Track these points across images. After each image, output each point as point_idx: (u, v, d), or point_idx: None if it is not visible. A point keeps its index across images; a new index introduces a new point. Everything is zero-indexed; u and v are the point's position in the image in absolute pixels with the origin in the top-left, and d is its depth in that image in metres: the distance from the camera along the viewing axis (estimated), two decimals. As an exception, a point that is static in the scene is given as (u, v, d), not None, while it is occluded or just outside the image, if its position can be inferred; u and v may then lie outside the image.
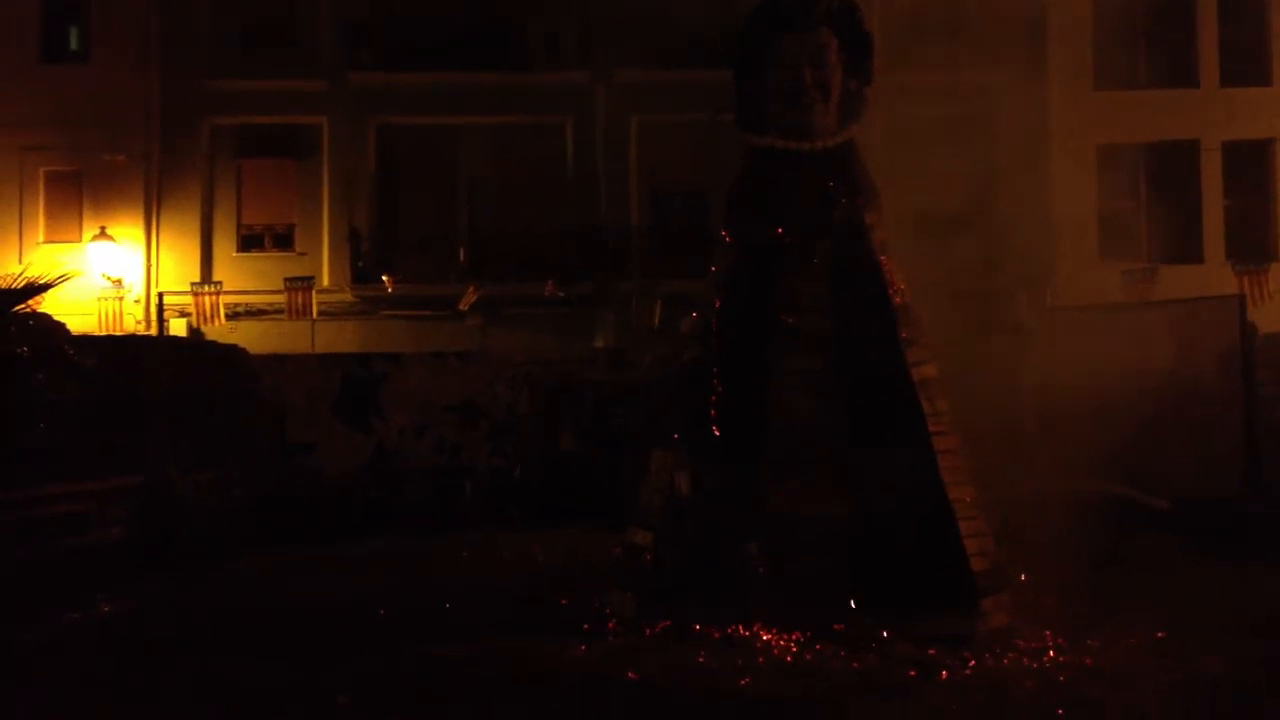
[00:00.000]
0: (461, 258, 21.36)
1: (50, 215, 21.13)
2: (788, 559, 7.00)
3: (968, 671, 6.08)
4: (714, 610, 6.89)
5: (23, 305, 9.80)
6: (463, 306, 20.25)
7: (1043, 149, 21.14)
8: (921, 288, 8.03)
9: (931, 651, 6.33)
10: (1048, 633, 6.67)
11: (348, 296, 20.93)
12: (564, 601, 7.65)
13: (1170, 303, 15.11)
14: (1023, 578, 7.32)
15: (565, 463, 14.07)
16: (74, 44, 21.84)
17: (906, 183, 18.39)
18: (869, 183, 7.70)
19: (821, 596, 6.86)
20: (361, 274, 20.96)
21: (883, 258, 7.46)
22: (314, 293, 20.45)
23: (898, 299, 7.41)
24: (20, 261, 18.14)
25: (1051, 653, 6.37)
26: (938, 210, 20.28)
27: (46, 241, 20.83)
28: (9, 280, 9.79)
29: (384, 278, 20.69)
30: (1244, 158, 21.52)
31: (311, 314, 20.28)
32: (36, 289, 9.75)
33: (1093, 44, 21.44)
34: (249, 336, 18.44)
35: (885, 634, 6.56)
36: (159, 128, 21.12)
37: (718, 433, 7.41)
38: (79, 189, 21.11)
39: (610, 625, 6.94)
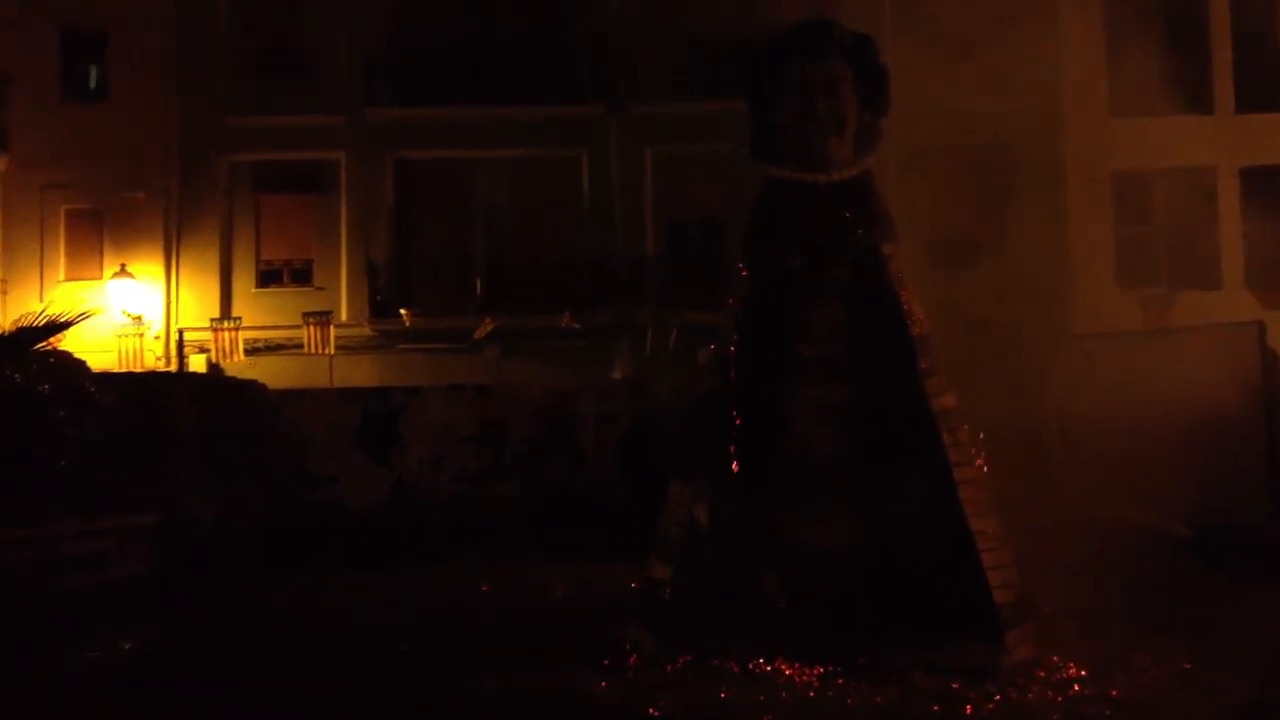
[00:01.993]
0: (478, 290, 21.46)
1: (71, 253, 21.34)
2: (808, 591, 6.96)
3: (992, 705, 6.02)
4: (735, 644, 6.85)
5: (44, 343, 9.87)
6: (478, 337, 20.32)
7: (1058, 176, 21.17)
8: (939, 316, 8.02)
9: (955, 685, 6.26)
10: (1072, 664, 6.60)
11: (366, 330, 21.03)
12: (584, 635, 7.62)
13: (1190, 329, 15.06)
14: (1046, 609, 7.26)
15: (584, 493, 14.06)
16: (93, 82, 22.11)
17: (923, 212, 18.50)
18: (885, 213, 7.70)
19: (843, 629, 6.82)
20: (379, 308, 21.07)
21: (900, 288, 7.45)
22: (332, 327, 20.57)
23: (916, 329, 7.40)
24: (41, 299, 18.32)
25: (1076, 686, 6.30)
26: (954, 238, 20.42)
27: (67, 279, 21.03)
28: (30, 318, 9.88)
29: (402, 311, 20.79)
30: (1262, 183, 21.47)
31: (330, 348, 20.38)
32: (57, 327, 9.82)
33: (1107, 71, 21.47)
34: (268, 371, 18.54)
35: (908, 667, 6.50)
36: (178, 165, 21.35)
37: (736, 464, 7.38)
38: (99, 226, 21.32)
39: (631, 660, 6.89)
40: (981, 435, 7.43)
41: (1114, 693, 6.15)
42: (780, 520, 7.17)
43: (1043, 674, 6.54)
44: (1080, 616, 7.27)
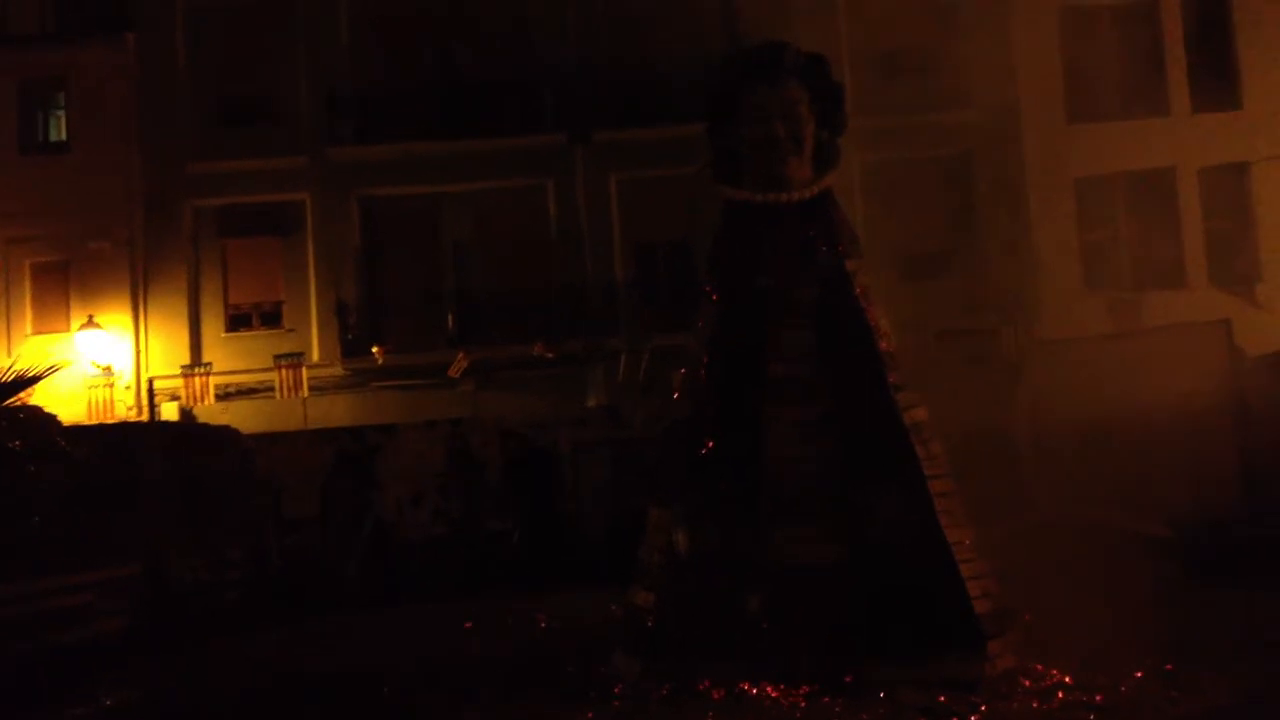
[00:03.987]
0: (450, 324, 21.40)
1: (37, 306, 21.15)
2: (790, 611, 6.97)
3: (977, 717, 6.04)
4: (720, 668, 6.85)
5: (13, 398, 9.79)
6: (453, 373, 20.26)
7: (1020, 184, 21.34)
8: (909, 329, 8.07)
9: (940, 698, 6.28)
10: (1055, 671, 6.63)
11: (338, 370, 20.92)
12: (569, 667, 7.60)
13: (1158, 329, 15.20)
14: (1027, 617, 7.30)
15: (564, 523, 14.05)
16: (53, 134, 21.99)
17: (887, 225, 18.58)
18: (848, 230, 7.76)
19: (826, 647, 6.83)
20: (351, 347, 20.97)
21: (866, 304, 7.51)
22: (304, 368, 20.44)
23: (884, 344, 7.45)
24: (9, 354, 18.16)
25: (1060, 693, 6.33)
26: (920, 251, 20.55)
27: (35, 333, 20.84)
28: (-2, 374, 9.79)
29: (374, 349, 20.71)
30: (1221, 181, 21.72)
31: (303, 390, 20.25)
32: (26, 382, 9.74)
33: (1063, 78, 21.70)
34: (241, 416, 18.42)
35: (893, 682, 6.51)
36: (142, 213, 21.21)
37: (713, 488, 7.39)
38: (65, 278, 21.15)
39: (616, 689, 6.88)
40: (954, 445, 7.47)
41: (1098, 697, 6.19)
42: (760, 541, 7.18)
43: (1027, 682, 6.57)
44: (1061, 622, 7.30)
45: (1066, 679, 6.51)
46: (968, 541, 7.08)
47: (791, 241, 7.60)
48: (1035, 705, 6.17)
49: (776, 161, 7.64)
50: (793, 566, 7.07)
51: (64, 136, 21.81)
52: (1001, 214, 21.01)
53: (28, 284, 21.20)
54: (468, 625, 9.94)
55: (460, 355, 20.27)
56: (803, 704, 6.43)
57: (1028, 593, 7.52)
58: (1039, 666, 6.73)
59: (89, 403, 19.82)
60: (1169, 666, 6.59)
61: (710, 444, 7.47)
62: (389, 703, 7.23)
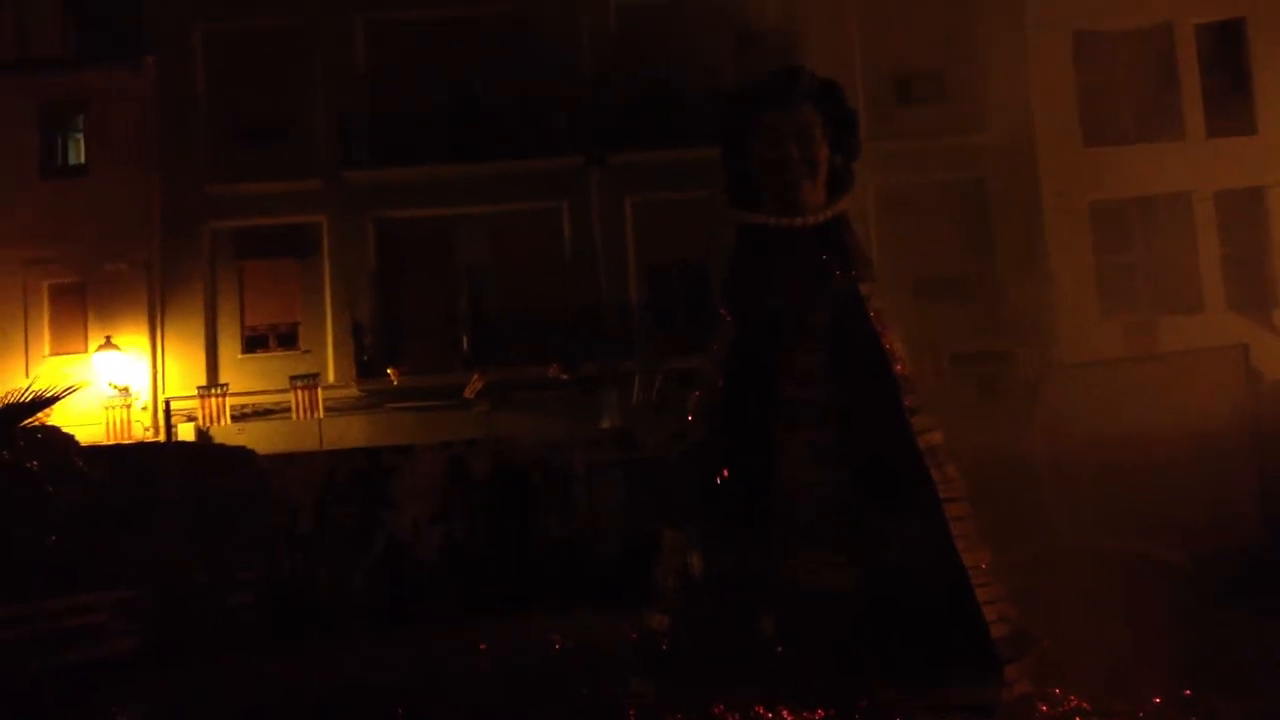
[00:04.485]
0: (465, 345, 21.46)
1: (55, 327, 21.29)
2: (805, 634, 6.94)
3: (993, 741, 6.00)
4: (735, 691, 6.82)
5: (31, 419, 9.85)
6: (468, 394, 20.30)
7: (1036, 208, 21.33)
8: (922, 352, 8.06)
9: (956, 721, 6.24)
10: (1072, 696, 6.59)
11: (353, 391, 20.98)
12: (582, 688, 7.58)
13: (1174, 354, 15.13)
14: (1044, 642, 7.25)
15: (579, 545, 14.02)
16: (72, 157, 22.18)
17: (902, 249, 18.56)
18: (862, 254, 7.77)
19: (842, 671, 6.79)
20: (366, 368, 21.04)
21: (881, 327, 7.50)
22: (320, 389, 20.51)
23: (899, 367, 7.44)
24: (27, 375, 18.26)
25: (1078, 718, 6.28)
26: (934, 274, 20.54)
27: (52, 354, 20.97)
28: (16, 394, 9.85)
29: (389, 370, 20.77)
30: (1237, 205, 21.69)
31: (318, 411, 20.31)
32: (44, 402, 9.80)
33: (1078, 102, 21.73)
34: (257, 436, 18.48)
35: (909, 706, 6.47)
36: (159, 235, 21.35)
37: (728, 510, 7.38)
38: (83, 300, 21.29)
39: (630, 711, 6.86)
40: (970, 469, 7.45)
41: (1115, 723, 6.14)
42: (774, 564, 7.16)
43: (1044, 707, 6.53)
44: (1078, 646, 7.25)
45: (1084, 704, 6.46)
46: (984, 565, 7.05)
47: (805, 265, 7.61)
48: (1052, 730, 6.13)
49: (790, 185, 7.66)
50: (807, 589, 7.05)
51: (83, 159, 22.00)
52: (1017, 238, 21.01)
53: (46, 305, 21.34)
54: (482, 647, 9.92)
55: (475, 376, 20.31)
56: (818, 728, 6.40)
57: (1044, 617, 7.47)
58: (1056, 691, 6.68)
59: (106, 423, 19.92)
60: (1187, 692, 6.54)
61: (724, 466, 7.46)
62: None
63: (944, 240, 20.84)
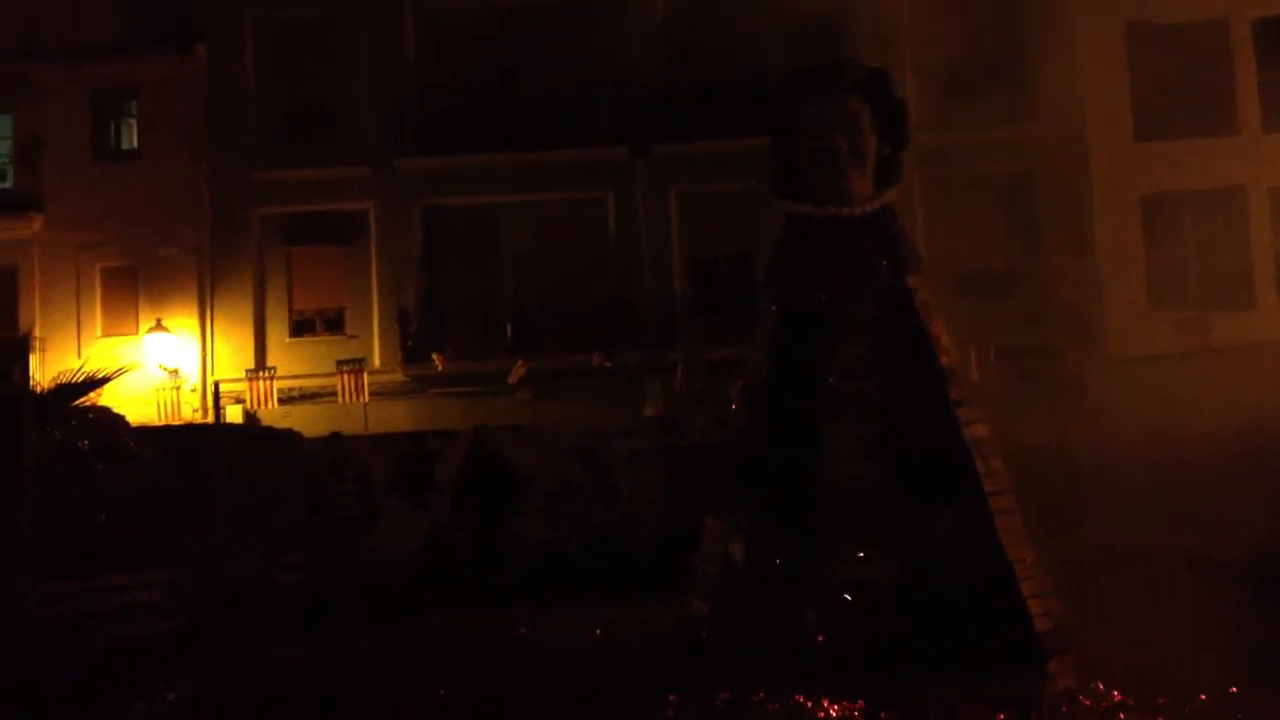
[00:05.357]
0: (508, 333, 21.57)
1: (107, 309, 21.63)
2: (847, 625, 6.93)
3: (1035, 735, 5.97)
4: (775, 680, 6.82)
5: (82, 399, 10.01)
6: (511, 381, 20.40)
7: (1085, 202, 21.10)
8: (969, 345, 8.02)
9: (999, 716, 6.22)
10: (1116, 692, 6.54)
11: (399, 376, 21.15)
12: (622, 675, 7.61)
13: (1225, 350, 14.96)
14: (1088, 636, 7.20)
15: (620, 532, 14.04)
16: (125, 142, 22.48)
17: (949, 241, 18.44)
18: (909, 246, 7.72)
19: (883, 662, 6.78)
20: (411, 353, 21.21)
21: (927, 319, 7.46)
22: (365, 374, 20.70)
23: (945, 360, 7.40)
24: (79, 356, 18.55)
25: (1122, 714, 6.24)
26: (982, 268, 20.38)
27: (104, 335, 21.30)
28: (68, 375, 10.03)
29: (434, 356, 20.91)
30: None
31: (364, 395, 20.49)
32: (95, 382, 9.98)
33: (1130, 95, 21.46)
34: (303, 420, 18.68)
35: (950, 700, 6.45)
36: (209, 220, 21.64)
37: (771, 500, 7.38)
38: (134, 283, 21.62)
39: (671, 698, 6.88)
40: (1015, 464, 7.41)
41: (1159, 718, 6.09)
42: (817, 555, 7.16)
43: (1088, 702, 6.48)
44: (1124, 642, 7.19)
45: (1128, 700, 6.41)
46: (1029, 559, 7.00)
47: (851, 256, 7.58)
48: (1095, 725, 6.09)
49: (837, 176, 7.62)
50: (850, 581, 7.04)
51: (135, 145, 22.32)
52: (1066, 232, 20.80)
53: (98, 288, 21.68)
54: (522, 631, 9.99)
55: (519, 363, 20.41)
56: (858, 718, 6.39)
57: (1089, 613, 7.42)
58: (1099, 686, 6.63)
59: (157, 404, 20.20)
60: (1233, 689, 6.47)
61: (768, 456, 7.45)
62: (440, 707, 7.26)
63: (991, 233, 20.67)
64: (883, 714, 6.41)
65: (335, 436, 13.63)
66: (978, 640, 6.70)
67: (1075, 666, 6.86)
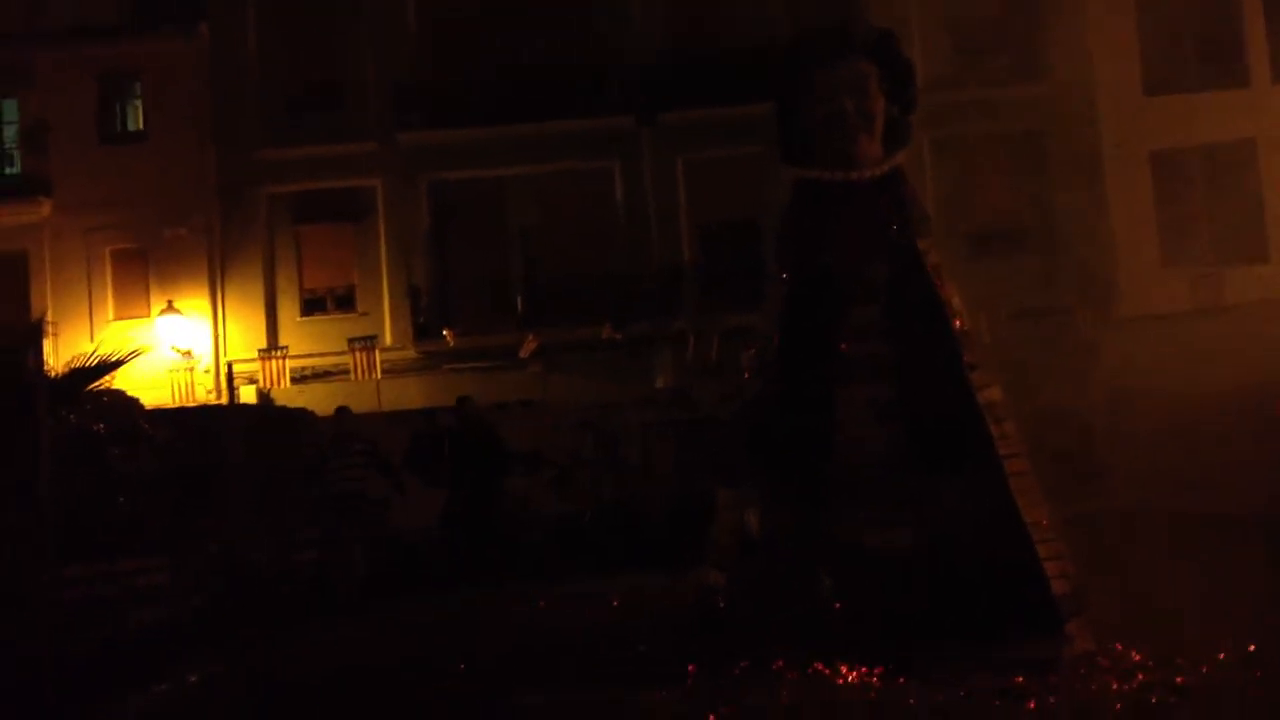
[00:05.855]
0: (519, 306, 21.56)
1: (118, 292, 21.67)
2: (863, 592, 6.93)
3: (1054, 699, 5.96)
4: (792, 648, 6.83)
5: (96, 383, 10.03)
6: (523, 355, 20.42)
7: (1096, 159, 20.96)
8: (980, 307, 7.97)
9: (1017, 679, 6.21)
10: (1134, 653, 6.52)
11: (410, 353, 21.17)
12: (640, 646, 7.63)
13: (1240, 307, 14.87)
14: (1104, 599, 7.18)
15: (634, 504, 14.04)
16: (131, 124, 22.45)
17: (959, 202, 18.31)
18: (919, 208, 7.66)
19: (899, 628, 6.78)
20: (422, 330, 21.23)
21: (938, 282, 7.41)
22: (377, 351, 20.73)
23: (957, 323, 7.35)
24: (92, 339, 18.60)
25: (1140, 674, 6.23)
26: (992, 228, 20.27)
27: (116, 318, 21.35)
28: (82, 359, 10.04)
29: (444, 332, 20.92)
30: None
31: (376, 372, 20.53)
32: (109, 366, 9.99)
33: (1139, 49, 21.26)
34: (316, 398, 18.70)
35: (968, 664, 6.45)
36: (217, 200, 21.63)
37: (784, 468, 7.37)
38: (144, 265, 21.64)
39: (689, 668, 6.89)
40: (1028, 426, 7.37)
41: (1179, 679, 6.08)
42: (832, 522, 7.15)
43: (1106, 663, 6.47)
44: (1140, 604, 7.18)
45: (1147, 661, 6.40)
46: (1045, 521, 6.98)
47: (861, 220, 7.53)
48: (1115, 686, 6.08)
49: (846, 139, 7.55)
50: (865, 547, 7.03)
51: (141, 126, 22.29)
52: (1076, 190, 20.65)
53: (108, 271, 21.71)
54: (541, 605, 10.02)
55: (530, 337, 20.41)
56: (877, 685, 6.39)
57: (1104, 575, 7.40)
58: (1117, 647, 6.62)
59: (171, 386, 20.27)
60: (1251, 648, 6.45)
61: (780, 423, 7.43)
62: (461, 683, 7.29)
63: (1001, 193, 20.55)
64: (900, 680, 6.41)
65: (341, 411, 13.57)
66: (995, 604, 6.69)
67: (1093, 628, 6.84)
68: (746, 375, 8.15)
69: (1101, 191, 20.71)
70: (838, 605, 6.95)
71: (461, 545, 12.30)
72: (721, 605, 7.40)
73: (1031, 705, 5.90)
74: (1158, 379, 12.37)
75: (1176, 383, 11.95)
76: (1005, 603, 6.69)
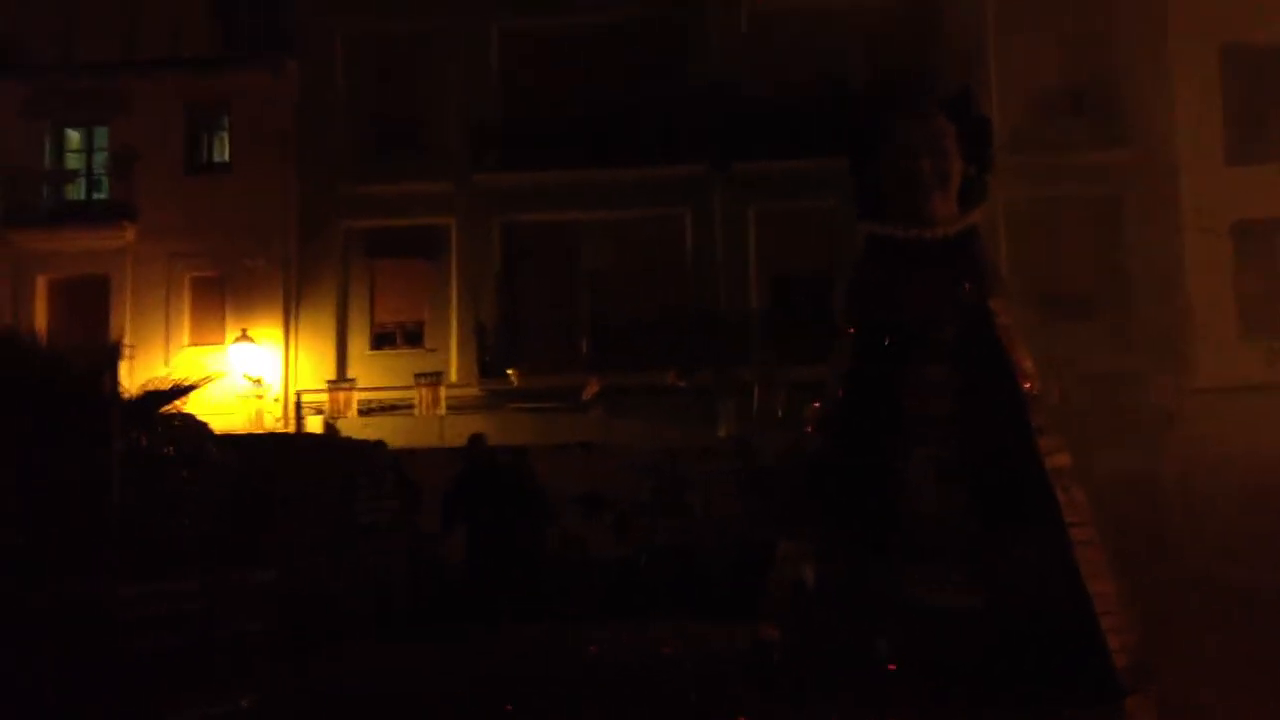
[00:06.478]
0: (584, 349, 21.65)
1: (195, 318, 22.13)
2: (920, 653, 6.82)
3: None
4: (846, 707, 6.73)
5: (169, 406, 10.21)
6: (586, 398, 20.48)
7: (1175, 227, 20.69)
8: (1052, 371, 7.86)
9: (1074, 752, 6.06)
10: (1197, 732, 6.36)
11: (475, 390, 21.34)
12: (691, 695, 7.57)
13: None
14: (1168, 672, 7.00)
15: (693, 553, 13.96)
16: (217, 155, 23.01)
17: (1033, 265, 18.14)
18: (992, 268, 7.58)
19: (956, 692, 6.66)
20: (488, 368, 21.40)
21: (1009, 343, 7.32)
22: (443, 387, 20.91)
23: (1027, 385, 7.25)
24: (167, 364, 19.01)
25: (1202, 754, 6.06)
26: (1067, 292, 20.04)
27: (191, 344, 21.78)
28: (156, 383, 10.24)
29: (509, 371, 21.05)
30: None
31: (440, 408, 20.71)
32: (182, 390, 10.17)
33: (1223, 118, 21.00)
34: (381, 431, 18.88)
35: (1023, 732, 6.31)
36: (296, 232, 22.05)
37: (845, 523, 7.30)
38: (222, 293, 22.10)
39: (739, 718, 6.82)
40: (1098, 494, 7.24)
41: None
42: (891, 581, 7.05)
43: (1167, 740, 6.30)
44: (1203, 681, 7.00)
45: (1210, 741, 6.23)
46: (1110, 592, 6.82)
47: (933, 278, 7.46)
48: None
49: (920, 197, 7.50)
50: (924, 608, 6.92)
51: (226, 157, 22.83)
52: (1154, 256, 20.38)
53: (187, 297, 22.19)
54: (593, 649, 9.98)
55: (592, 380, 20.47)
56: (930, 748, 6.27)
57: (1172, 650, 7.22)
58: (1180, 726, 6.45)
59: (241, 413, 20.58)
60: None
61: (843, 479, 7.37)
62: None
63: (1077, 257, 20.33)
64: (955, 745, 6.29)
65: (377, 444, 13.62)
66: (1053, 673, 6.54)
67: (1155, 705, 6.67)
68: (809, 429, 8.08)
69: (1180, 259, 20.41)
70: (894, 665, 6.84)
71: (480, 585, 12.17)
72: (776, 659, 7.32)
73: (1089, 779, 5.75)
74: (1231, 450, 12.10)
75: (1250, 455, 11.68)
76: (1065, 672, 6.55)
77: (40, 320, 21.26)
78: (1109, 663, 6.60)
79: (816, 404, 8.09)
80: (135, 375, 11.92)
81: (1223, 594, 9.55)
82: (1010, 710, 6.48)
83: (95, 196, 23.13)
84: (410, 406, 20.99)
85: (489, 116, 21.82)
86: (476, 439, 13.19)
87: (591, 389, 20.52)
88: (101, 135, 22.96)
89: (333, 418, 20.79)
